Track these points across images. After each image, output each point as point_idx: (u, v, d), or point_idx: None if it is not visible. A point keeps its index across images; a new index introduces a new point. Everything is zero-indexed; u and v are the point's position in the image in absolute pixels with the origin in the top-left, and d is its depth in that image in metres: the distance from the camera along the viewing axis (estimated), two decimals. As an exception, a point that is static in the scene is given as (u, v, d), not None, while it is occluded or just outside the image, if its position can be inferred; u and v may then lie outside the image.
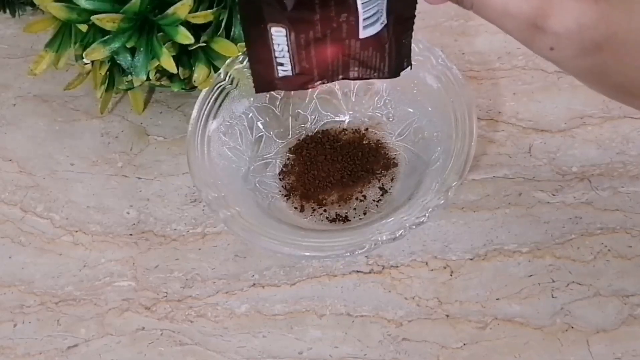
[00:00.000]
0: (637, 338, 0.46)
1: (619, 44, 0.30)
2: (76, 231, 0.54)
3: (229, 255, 0.52)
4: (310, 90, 0.55)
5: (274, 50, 0.36)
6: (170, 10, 0.48)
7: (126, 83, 0.54)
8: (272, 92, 0.54)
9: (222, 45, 0.51)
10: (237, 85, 0.52)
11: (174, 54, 0.50)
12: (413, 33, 0.38)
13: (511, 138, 0.55)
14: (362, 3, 0.34)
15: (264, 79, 0.38)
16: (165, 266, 0.52)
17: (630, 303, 0.47)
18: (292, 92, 0.55)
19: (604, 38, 0.30)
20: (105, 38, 0.49)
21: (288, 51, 0.36)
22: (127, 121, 0.60)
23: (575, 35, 0.30)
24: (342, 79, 0.39)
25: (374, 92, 0.55)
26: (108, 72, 0.54)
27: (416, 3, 0.36)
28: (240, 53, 0.51)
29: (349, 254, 0.44)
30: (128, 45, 0.49)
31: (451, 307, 0.48)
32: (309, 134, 0.55)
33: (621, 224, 0.50)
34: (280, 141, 0.55)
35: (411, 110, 0.53)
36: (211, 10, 0.50)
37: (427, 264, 0.50)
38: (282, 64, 0.37)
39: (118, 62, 0.51)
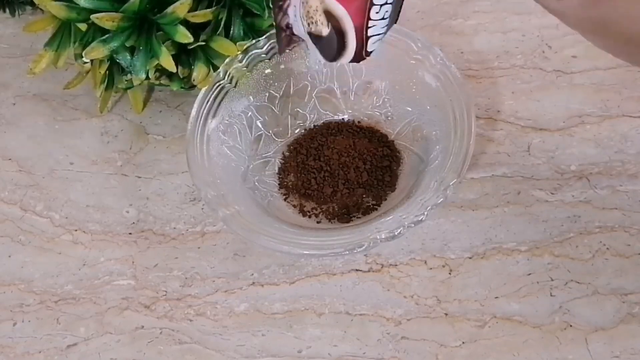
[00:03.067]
0: (635, 336, 0.46)
1: None
2: (75, 230, 0.54)
3: (228, 254, 0.52)
4: (309, 88, 0.55)
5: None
6: (170, 9, 0.48)
7: (125, 82, 0.54)
8: (271, 91, 0.54)
9: (221, 44, 0.51)
10: (236, 84, 0.52)
11: (173, 53, 0.50)
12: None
13: (510, 137, 0.55)
14: None
15: None
16: (164, 265, 0.52)
17: (628, 301, 0.47)
18: (292, 91, 0.55)
19: None
20: (104, 37, 0.49)
21: None
22: (126, 120, 0.60)
23: None
24: None
25: (372, 91, 0.55)
26: (107, 71, 0.54)
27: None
28: (240, 52, 0.51)
29: (347, 252, 0.44)
30: (127, 44, 0.49)
31: (450, 306, 0.48)
32: (308, 133, 0.55)
33: (620, 223, 0.50)
34: (279, 140, 0.55)
35: (410, 109, 0.53)
36: (210, 9, 0.50)
37: (425, 262, 0.50)
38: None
39: (117, 61, 0.51)
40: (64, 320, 0.51)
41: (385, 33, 0.36)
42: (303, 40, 0.37)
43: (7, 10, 0.66)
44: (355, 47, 0.35)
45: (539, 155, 0.54)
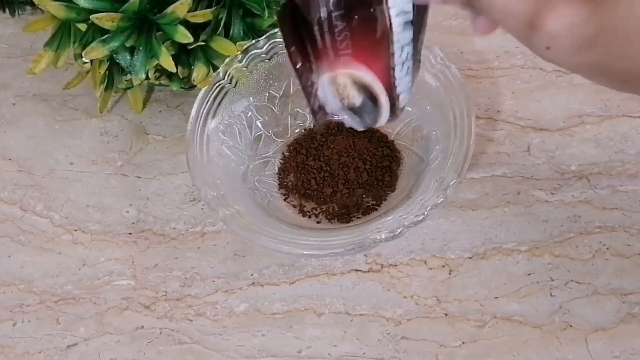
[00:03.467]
0: (635, 336, 0.46)
1: (610, 35, 0.31)
2: (75, 230, 0.54)
3: (228, 254, 0.52)
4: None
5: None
6: (170, 9, 0.48)
7: (125, 82, 0.54)
8: (271, 91, 0.54)
9: (221, 44, 0.51)
10: (236, 84, 0.52)
11: (173, 53, 0.50)
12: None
13: (510, 137, 0.55)
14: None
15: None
16: (164, 265, 0.52)
17: (628, 301, 0.47)
18: (292, 91, 0.55)
19: (595, 33, 0.31)
20: (104, 37, 0.49)
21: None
22: (126, 120, 0.60)
23: (568, 33, 0.31)
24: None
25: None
26: (107, 71, 0.54)
27: None
28: (240, 52, 0.51)
29: (347, 252, 0.44)
30: (127, 45, 0.49)
31: (450, 306, 0.48)
32: (308, 133, 0.55)
33: (620, 223, 0.50)
34: (279, 140, 0.55)
35: (410, 109, 0.53)
36: (210, 9, 0.50)
37: (425, 262, 0.50)
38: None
39: (117, 61, 0.51)
40: (64, 320, 0.51)
41: (412, 87, 0.37)
42: (338, 115, 0.39)
43: (7, 10, 0.66)
44: (389, 106, 0.37)
45: (539, 155, 0.54)
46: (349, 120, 0.40)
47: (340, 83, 0.37)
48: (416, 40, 0.36)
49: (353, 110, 0.38)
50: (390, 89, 0.36)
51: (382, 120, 0.39)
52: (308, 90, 0.37)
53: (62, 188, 0.57)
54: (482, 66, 0.59)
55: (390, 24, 0.34)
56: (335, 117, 0.39)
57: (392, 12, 0.34)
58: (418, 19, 0.36)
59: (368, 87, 0.36)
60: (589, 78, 0.35)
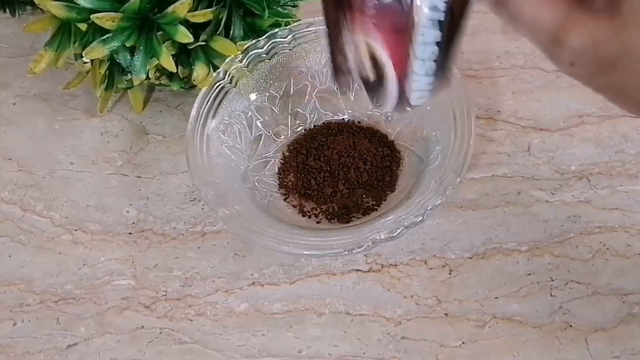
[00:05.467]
0: (635, 336, 0.46)
1: (633, 60, 0.30)
2: (76, 230, 0.54)
3: (228, 254, 0.52)
4: (309, 88, 0.55)
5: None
6: (170, 9, 0.48)
7: (125, 82, 0.54)
8: (271, 91, 0.54)
9: (221, 44, 0.51)
10: (236, 84, 0.52)
11: (174, 52, 0.50)
12: None
13: (510, 137, 0.55)
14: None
15: None
16: (164, 265, 0.52)
17: (628, 302, 0.47)
18: (292, 91, 0.55)
19: (618, 55, 0.30)
20: (104, 37, 0.49)
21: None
22: (126, 120, 0.60)
23: (591, 50, 0.30)
24: None
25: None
26: (107, 71, 0.54)
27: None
28: (240, 52, 0.51)
29: (347, 252, 0.44)
30: (127, 44, 0.49)
31: (450, 306, 0.48)
32: (308, 133, 0.55)
33: (620, 223, 0.50)
34: (279, 140, 0.55)
35: (410, 109, 0.53)
36: (210, 9, 0.50)
37: (426, 262, 0.50)
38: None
39: (117, 61, 0.51)
40: (64, 320, 0.51)
41: (432, 91, 0.36)
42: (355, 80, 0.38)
43: (7, 10, 0.66)
44: (395, 96, 0.36)
45: (539, 155, 0.54)
46: (363, 93, 0.38)
47: (361, 50, 0.36)
48: (445, 44, 0.35)
49: (367, 84, 0.37)
50: (403, 80, 0.36)
51: (387, 106, 0.37)
52: (339, 48, 0.36)
53: (62, 188, 0.57)
54: (482, 66, 0.59)
55: (414, 17, 0.33)
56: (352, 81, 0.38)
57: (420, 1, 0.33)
58: (451, 23, 0.35)
59: (381, 66, 0.36)
60: (607, 98, 0.34)
